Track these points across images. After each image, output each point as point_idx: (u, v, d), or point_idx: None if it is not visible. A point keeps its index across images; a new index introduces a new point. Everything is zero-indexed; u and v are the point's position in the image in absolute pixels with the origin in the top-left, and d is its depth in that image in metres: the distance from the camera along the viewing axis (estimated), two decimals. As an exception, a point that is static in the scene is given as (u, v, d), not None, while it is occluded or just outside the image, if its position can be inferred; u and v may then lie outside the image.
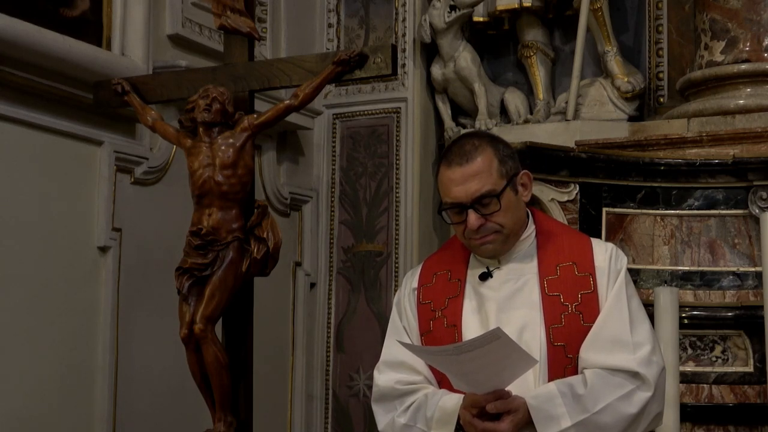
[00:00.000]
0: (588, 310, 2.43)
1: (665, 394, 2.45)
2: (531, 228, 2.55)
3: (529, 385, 2.38)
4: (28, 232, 3.66)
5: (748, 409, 3.94)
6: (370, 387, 5.09)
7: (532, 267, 2.50)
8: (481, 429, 2.32)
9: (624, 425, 2.35)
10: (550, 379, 2.39)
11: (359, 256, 5.20)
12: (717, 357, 4.00)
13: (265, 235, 3.37)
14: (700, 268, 4.22)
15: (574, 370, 2.40)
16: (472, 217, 2.43)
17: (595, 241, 2.55)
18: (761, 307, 3.79)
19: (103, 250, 3.95)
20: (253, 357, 3.45)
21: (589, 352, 2.40)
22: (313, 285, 5.20)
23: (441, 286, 2.56)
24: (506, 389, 2.34)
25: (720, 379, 3.97)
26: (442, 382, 2.47)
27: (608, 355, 2.38)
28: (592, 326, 2.41)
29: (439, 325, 2.50)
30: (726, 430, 3.95)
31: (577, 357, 2.41)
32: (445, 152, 2.52)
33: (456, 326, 2.48)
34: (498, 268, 2.52)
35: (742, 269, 4.19)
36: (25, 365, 3.62)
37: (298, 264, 5.12)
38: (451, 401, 2.41)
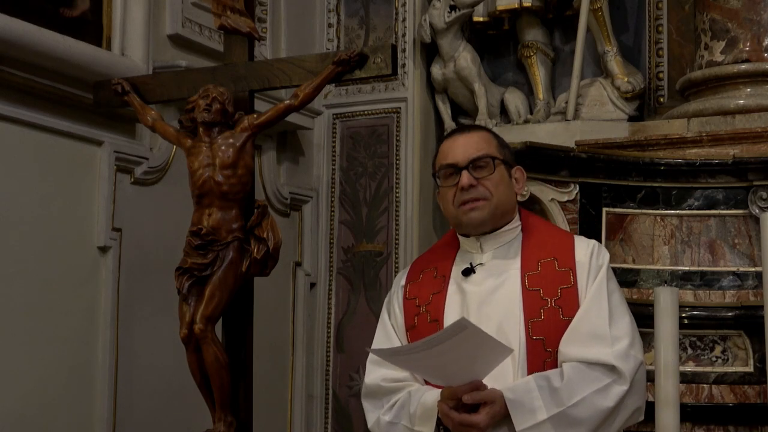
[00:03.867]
0: (567, 304, 2.45)
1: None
2: (517, 222, 2.60)
3: (508, 379, 2.40)
4: (28, 232, 3.66)
5: (748, 409, 3.93)
6: (370, 387, 5.12)
7: (514, 263, 2.53)
8: (458, 421, 2.33)
9: (600, 419, 2.36)
10: (529, 372, 2.40)
11: (359, 256, 5.20)
12: (717, 357, 4.00)
13: (265, 235, 3.37)
14: (700, 268, 4.22)
15: (554, 364, 2.41)
16: (465, 176, 2.49)
17: (577, 238, 2.59)
18: (761, 307, 3.79)
19: (103, 250, 3.95)
20: (253, 357, 3.45)
21: (567, 346, 2.41)
22: (313, 285, 5.21)
23: (427, 282, 2.60)
24: (483, 382, 2.35)
25: (720, 379, 3.97)
26: None
27: (586, 348, 2.39)
28: (571, 321, 2.43)
29: (423, 320, 2.54)
30: (726, 430, 3.95)
31: (557, 351, 2.42)
32: (447, 134, 2.66)
33: (438, 321, 2.51)
34: (481, 264, 2.55)
35: (742, 269, 4.19)
36: (25, 365, 3.62)
37: (298, 264, 5.12)
38: (432, 396, 2.42)
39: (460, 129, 2.69)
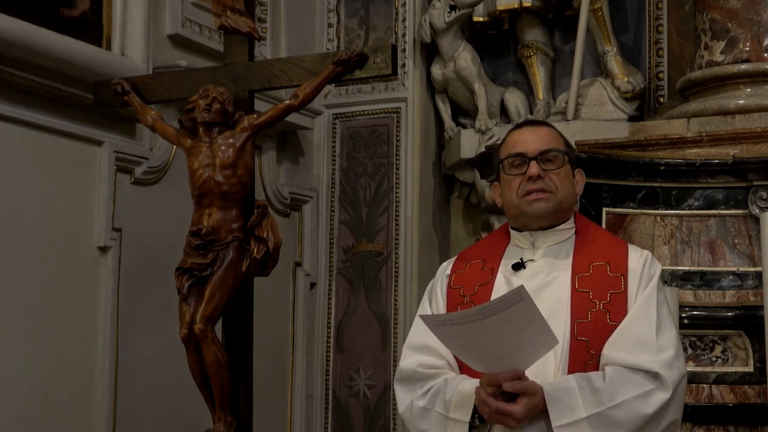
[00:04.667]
0: (616, 309, 2.43)
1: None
2: (572, 224, 2.58)
3: (548, 376, 2.37)
4: (29, 232, 3.66)
5: (748, 409, 3.93)
6: (370, 387, 5.12)
7: (566, 264, 2.51)
8: (495, 408, 2.30)
9: (638, 424, 2.32)
10: (570, 372, 2.37)
11: (359, 256, 5.20)
12: (717, 357, 4.00)
13: (265, 235, 3.37)
14: (700, 268, 4.22)
15: (595, 368, 2.38)
16: (533, 166, 2.48)
17: (631, 247, 2.57)
18: (761, 307, 3.79)
19: (103, 250, 3.95)
20: (253, 357, 3.45)
21: (611, 350, 2.38)
22: (313, 285, 5.21)
23: (473, 273, 2.57)
24: (524, 373, 2.33)
25: (720, 379, 3.97)
26: (463, 366, 2.46)
27: (630, 354, 2.36)
28: (617, 325, 2.41)
29: None
30: (726, 430, 3.94)
31: (600, 354, 2.39)
32: (515, 126, 2.67)
33: None
34: (532, 260, 2.53)
35: (742, 269, 4.18)
36: (25, 365, 3.62)
37: (298, 264, 5.12)
38: (470, 385, 2.39)
39: (529, 122, 2.69)
